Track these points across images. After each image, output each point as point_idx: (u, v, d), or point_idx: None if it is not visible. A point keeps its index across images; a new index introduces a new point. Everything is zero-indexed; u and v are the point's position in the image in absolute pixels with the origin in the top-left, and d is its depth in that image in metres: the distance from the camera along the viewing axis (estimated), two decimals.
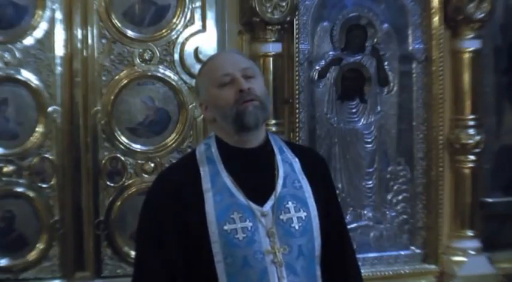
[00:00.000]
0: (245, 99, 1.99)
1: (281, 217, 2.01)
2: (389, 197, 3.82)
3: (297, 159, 2.12)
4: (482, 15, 3.65)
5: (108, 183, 3.51)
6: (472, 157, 3.78)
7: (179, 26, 3.55)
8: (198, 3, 3.55)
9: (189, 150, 3.55)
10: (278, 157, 2.09)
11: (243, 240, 1.96)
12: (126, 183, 3.54)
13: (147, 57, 3.52)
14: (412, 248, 3.86)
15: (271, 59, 3.44)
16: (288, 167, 2.09)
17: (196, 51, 3.55)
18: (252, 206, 1.99)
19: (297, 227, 2.01)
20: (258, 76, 2.08)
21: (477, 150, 3.77)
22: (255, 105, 2.00)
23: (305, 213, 2.03)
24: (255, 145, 2.07)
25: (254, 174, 2.05)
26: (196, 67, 3.55)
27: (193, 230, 1.97)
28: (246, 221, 1.97)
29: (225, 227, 1.96)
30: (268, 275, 1.95)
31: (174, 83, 3.55)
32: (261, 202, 2.01)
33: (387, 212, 3.81)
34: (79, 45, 3.44)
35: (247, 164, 2.05)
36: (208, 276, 1.96)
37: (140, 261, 2.06)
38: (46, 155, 3.46)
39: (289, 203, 2.03)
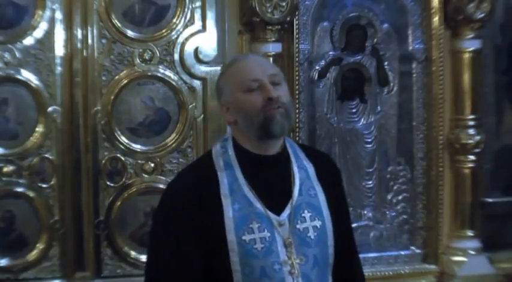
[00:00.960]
0: (273, 107, 1.96)
1: (297, 226, 1.99)
2: (389, 197, 3.82)
3: (311, 165, 2.10)
4: (482, 15, 3.65)
5: (108, 183, 3.51)
6: (472, 157, 3.78)
7: (179, 26, 3.54)
8: (198, 3, 3.55)
9: (189, 150, 3.56)
10: (294, 164, 2.07)
11: (261, 251, 1.94)
12: (126, 183, 3.54)
13: (147, 57, 3.52)
14: (412, 248, 3.86)
15: (271, 59, 3.43)
16: (303, 173, 2.07)
17: (196, 51, 3.55)
18: (270, 215, 1.97)
19: (312, 237, 2.00)
20: (283, 83, 2.05)
21: (477, 150, 3.77)
22: (281, 113, 1.98)
23: (320, 222, 2.02)
24: (274, 152, 2.05)
25: (270, 182, 2.02)
26: (196, 67, 3.55)
27: (211, 236, 1.95)
28: (265, 231, 1.95)
29: (244, 237, 1.93)
30: None
31: (174, 83, 3.54)
32: (278, 211, 1.99)
33: (387, 212, 3.81)
34: (79, 45, 3.44)
35: (265, 171, 2.02)
36: None
37: (156, 264, 2.01)
38: (46, 155, 3.46)
39: (305, 211, 2.01)
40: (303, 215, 2.00)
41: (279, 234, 1.97)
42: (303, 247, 1.98)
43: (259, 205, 1.97)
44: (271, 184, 2.02)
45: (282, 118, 1.97)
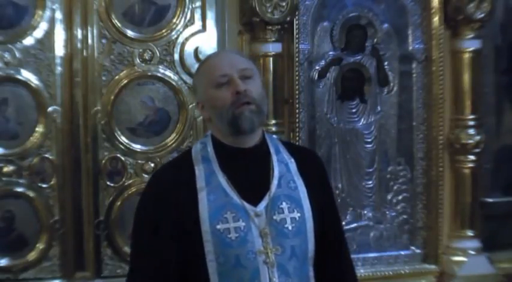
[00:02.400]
0: (241, 102, 1.99)
1: (274, 217, 2.00)
2: (389, 197, 3.82)
3: (293, 160, 2.12)
4: (482, 15, 3.64)
5: (108, 183, 3.51)
6: (472, 157, 3.78)
7: (179, 26, 3.54)
8: (198, 3, 3.55)
9: None
10: (274, 157, 2.09)
11: (235, 240, 1.96)
12: (126, 183, 3.54)
13: (147, 57, 3.52)
14: (412, 248, 3.86)
15: (271, 59, 3.44)
16: (283, 167, 2.09)
17: (196, 51, 3.55)
18: (246, 205, 2.00)
19: (290, 228, 2.01)
20: (255, 77, 2.07)
21: (477, 150, 3.77)
22: (251, 109, 2.00)
23: (299, 214, 2.03)
24: (251, 145, 2.07)
25: (249, 174, 2.05)
26: (196, 67, 3.54)
27: (187, 227, 1.98)
28: (239, 221, 1.97)
29: (218, 226, 1.96)
30: (260, 276, 1.96)
31: (174, 83, 3.54)
32: (255, 202, 2.01)
33: (387, 212, 3.81)
34: (79, 45, 3.44)
35: (243, 163, 2.05)
36: (200, 275, 1.97)
37: (136, 255, 2.07)
38: (46, 155, 3.46)
39: (283, 203, 2.03)
40: (280, 206, 2.02)
41: (254, 224, 1.98)
42: (280, 238, 1.99)
43: (235, 196, 2.00)
44: (249, 176, 2.04)
45: (251, 114, 1.99)
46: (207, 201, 1.99)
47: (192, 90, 2.18)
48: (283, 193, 2.04)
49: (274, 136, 2.26)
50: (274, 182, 2.05)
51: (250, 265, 1.96)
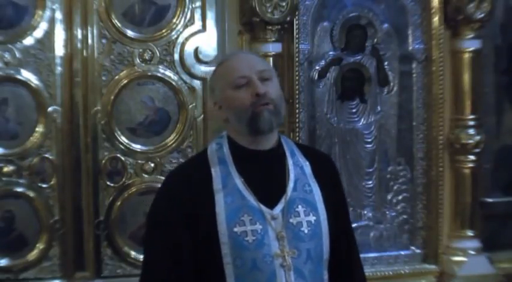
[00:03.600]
0: (260, 103, 1.99)
1: (291, 221, 2.00)
2: (389, 197, 3.82)
3: (308, 163, 2.12)
4: (482, 15, 3.64)
5: (108, 183, 3.51)
6: (472, 157, 3.78)
7: (179, 26, 3.54)
8: (198, 3, 3.55)
9: (189, 150, 3.56)
10: (289, 160, 2.09)
11: (252, 243, 1.95)
12: (126, 183, 3.54)
13: (147, 57, 3.52)
14: (412, 248, 3.86)
15: (271, 59, 3.43)
16: (298, 170, 2.09)
17: (196, 51, 3.55)
18: (263, 208, 1.99)
19: (306, 231, 2.01)
20: (273, 78, 2.07)
21: (477, 150, 3.77)
22: (270, 110, 2.00)
23: (314, 218, 2.03)
24: (268, 147, 2.07)
25: (265, 177, 2.04)
26: (196, 67, 3.55)
27: (203, 229, 1.97)
28: (256, 224, 1.97)
29: (235, 229, 1.95)
30: (277, 279, 1.95)
31: (174, 83, 3.54)
32: (271, 205, 2.00)
33: (387, 212, 3.81)
34: (79, 45, 3.44)
35: (259, 166, 2.05)
36: (216, 277, 1.96)
37: (150, 256, 2.05)
38: (46, 155, 3.46)
39: (299, 206, 2.02)
40: (296, 209, 2.02)
41: (271, 227, 1.98)
42: (296, 241, 1.99)
43: (251, 198, 1.99)
44: (266, 179, 2.04)
45: (269, 115, 2.00)
46: (224, 203, 1.98)
47: (209, 91, 2.17)
48: (298, 196, 2.04)
49: (288, 138, 2.25)
50: (290, 185, 2.04)
51: (267, 268, 1.95)
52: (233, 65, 2.08)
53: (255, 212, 1.98)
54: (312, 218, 2.02)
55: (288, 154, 2.10)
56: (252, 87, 2.00)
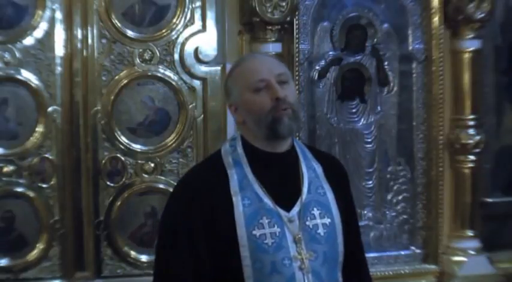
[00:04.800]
0: (281, 107, 1.98)
1: (307, 223, 2.00)
2: (389, 197, 3.82)
3: (319, 165, 2.11)
4: (483, 15, 3.65)
5: (108, 183, 3.51)
6: (472, 157, 3.78)
7: (179, 26, 3.54)
8: (198, 3, 3.55)
9: (189, 150, 3.56)
10: (303, 163, 2.09)
11: (271, 246, 1.95)
12: (126, 183, 3.54)
13: (147, 57, 3.52)
14: (412, 248, 3.86)
15: None
16: (311, 173, 2.08)
17: (196, 51, 3.55)
18: (280, 211, 1.98)
19: (322, 234, 2.01)
20: (290, 82, 2.06)
21: (477, 150, 3.78)
22: (289, 115, 1.99)
23: (329, 220, 2.03)
24: (283, 150, 2.06)
25: (280, 179, 2.04)
26: (196, 67, 3.55)
27: (222, 231, 1.95)
28: (274, 227, 1.96)
29: (254, 232, 1.94)
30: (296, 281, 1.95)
31: (174, 83, 3.54)
32: (287, 208, 2.00)
33: (387, 212, 3.81)
34: (79, 45, 3.44)
35: (274, 168, 2.04)
36: (235, 280, 1.95)
37: (166, 259, 2.02)
38: (46, 155, 3.45)
39: (315, 209, 2.02)
40: (312, 212, 2.02)
41: (288, 230, 1.98)
42: (312, 243, 1.99)
43: (269, 201, 1.99)
44: (281, 181, 2.04)
45: (289, 120, 1.99)
46: (242, 206, 1.97)
47: (225, 92, 2.15)
48: (313, 199, 2.04)
49: (300, 141, 2.25)
50: (305, 188, 2.04)
51: (287, 271, 1.94)
52: (252, 67, 2.05)
53: (272, 215, 1.97)
54: (327, 221, 2.03)
55: (301, 157, 2.10)
56: (272, 91, 1.98)
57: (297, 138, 3.52)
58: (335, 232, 2.03)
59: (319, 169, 2.10)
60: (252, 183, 2.00)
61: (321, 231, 2.01)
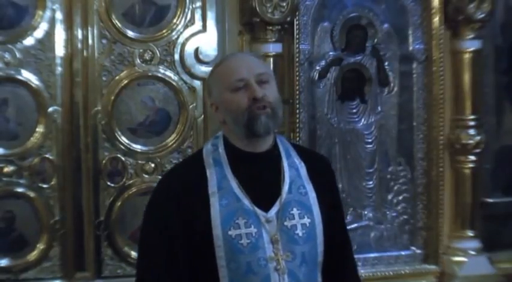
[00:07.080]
0: (257, 106, 1.99)
1: (285, 223, 2.01)
2: (389, 197, 3.82)
3: (303, 164, 2.11)
4: (483, 15, 3.65)
5: (108, 183, 3.51)
6: (472, 157, 3.78)
7: (179, 26, 3.54)
8: (198, 4, 3.55)
9: (189, 150, 3.56)
10: (285, 162, 2.09)
11: (246, 246, 1.96)
12: (126, 184, 3.54)
13: (147, 58, 3.52)
14: (413, 248, 3.86)
15: (271, 59, 3.44)
16: (294, 172, 2.08)
17: (196, 51, 3.55)
18: (257, 211, 1.99)
19: (300, 234, 2.01)
20: (271, 81, 2.06)
21: (477, 150, 3.78)
22: (267, 113, 2.00)
23: (309, 220, 2.03)
24: (264, 149, 2.07)
25: (260, 179, 2.04)
26: (197, 67, 3.55)
27: (198, 232, 1.97)
28: (251, 227, 1.97)
29: (230, 232, 1.96)
30: None
31: (174, 83, 3.54)
32: (266, 207, 2.01)
33: (387, 212, 3.81)
34: (79, 45, 3.44)
35: (254, 168, 2.05)
36: (210, 279, 1.96)
37: (145, 260, 2.05)
38: (46, 155, 3.45)
39: (294, 209, 2.03)
40: (291, 212, 2.02)
41: (266, 230, 1.98)
42: (290, 244, 1.99)
43: (246, 201, 2.00)
44: (261, 181, 2.04)
45: (266, 118, 2.00)
46: (219, 206, 1.98)
47: (207, 91, 2.17)
48: (293, 199, 2.04)
49: (284, 138, 2.25)
50: (285, 188, 2.05)
51: (262, 272, 1.95)
52: (231, 66, 2.07)
53: (249, 215, 1.98)
54: (307, 221, 2.03)
55: (283, 155, 2.10)
56: (250, 90, 2.00)
57: (297, 138, 3.54)
58: (315, 232, 2.03)
59: (302, 168, 2.10)
60: (231, 183, 2.02)
61: (299, 231, 2.01)
